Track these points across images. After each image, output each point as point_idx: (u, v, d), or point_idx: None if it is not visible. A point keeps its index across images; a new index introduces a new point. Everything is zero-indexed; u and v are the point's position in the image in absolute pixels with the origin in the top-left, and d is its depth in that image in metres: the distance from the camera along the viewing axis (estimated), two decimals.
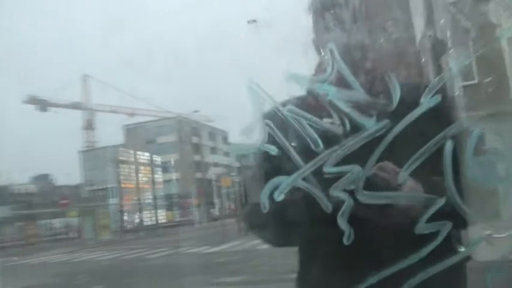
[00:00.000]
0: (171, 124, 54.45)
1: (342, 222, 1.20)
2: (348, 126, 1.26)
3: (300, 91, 1.28)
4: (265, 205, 1.23)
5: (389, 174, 1.21)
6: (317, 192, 1.22)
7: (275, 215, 1.26)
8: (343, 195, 1.20)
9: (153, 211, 38.00)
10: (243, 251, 15.51)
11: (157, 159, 44.06)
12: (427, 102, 1.22)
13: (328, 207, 1.21)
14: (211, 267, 13.03)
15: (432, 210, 1.19)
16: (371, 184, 1.20)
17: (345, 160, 1.22)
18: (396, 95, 1.24)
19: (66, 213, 36.42)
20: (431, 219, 1.19)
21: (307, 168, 1.23)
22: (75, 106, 52.06)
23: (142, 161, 40.83)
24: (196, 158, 55.32)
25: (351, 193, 1.20)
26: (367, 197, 1.19)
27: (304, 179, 1.24)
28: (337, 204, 1.21)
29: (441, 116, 1.23)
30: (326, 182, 1.22)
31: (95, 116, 54.00)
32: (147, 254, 18.91)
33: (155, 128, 54.12)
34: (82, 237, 30.11)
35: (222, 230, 22.81)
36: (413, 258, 1.19)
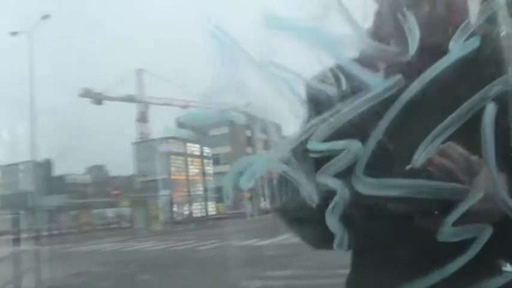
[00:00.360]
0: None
1: (332, 221, 0.84)
2: (344, 85, 0.90)
3: (279, 37, 0.91)
4: (229, 195, 0.89)
5: (455, 161, 0.82)
6: (299, 179, 0.87)
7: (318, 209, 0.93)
8: (335, 183, 0.84)
9: (203, 203, 38.20)
10: (292, 244, 15.22)
11: (208, 151, 44.22)
12: (458, 48, 0.82)
13: (313, 199, 0.86)
14: (260, 260, 12.91)
15: (463, 208, 0.80)
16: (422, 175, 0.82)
17: (339, 133, 0.86)
18: (414, 40, 0.84)
19: (119, 203, 37.17)
20: (461, 221, 0.80)
21: (285, 145, 0.88)
22: (129, 99, 53.04)
23: (193, 152, 41.08)
24: (249, 150, 55.30)
25: (346, 180, 0.84)
26: (369, 187, 0.82)
27: (282, 160, 0.89)
28: (329, 196, 0.85)
29: (479, 67, 0.84)
30: (312, 163, 0.87)
31: (149, 108, 54.90)
32: (197, 246, 18.97)
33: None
34: (134, 227, 30.62)
35: (273, 223, 22.61)
36: (435, 277, 0.82)
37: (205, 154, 42.86)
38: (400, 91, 0.84)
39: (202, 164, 41.49)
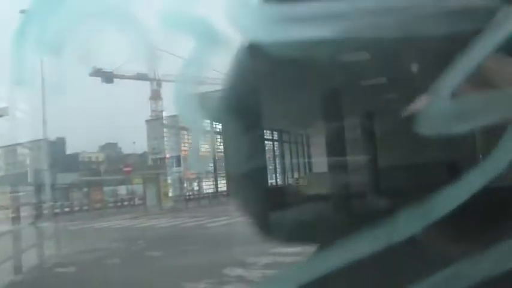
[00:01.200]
0: None
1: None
2: None
3: None
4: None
5: None
6: None
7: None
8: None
9: (214, 179, 38.17)
10: None
11: (219, 126, 43.96)
12: None
13: None
14: None
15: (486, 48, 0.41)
16: None
17: None
18: None
19: (131, 181, 37.27)
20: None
21: None
22: (140, 77, 52.69)
23: (204, 128, 40.80)
24: None
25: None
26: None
27: None
28: None
29: None
30: None
31: (162, 86, 54.57)
32: (207, 222, 18.96)
33: None
34: (146, 204, 30.68)
35: None
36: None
37: (215, 129, 42.66)
38: None
39: (212, 140, 41.20)
